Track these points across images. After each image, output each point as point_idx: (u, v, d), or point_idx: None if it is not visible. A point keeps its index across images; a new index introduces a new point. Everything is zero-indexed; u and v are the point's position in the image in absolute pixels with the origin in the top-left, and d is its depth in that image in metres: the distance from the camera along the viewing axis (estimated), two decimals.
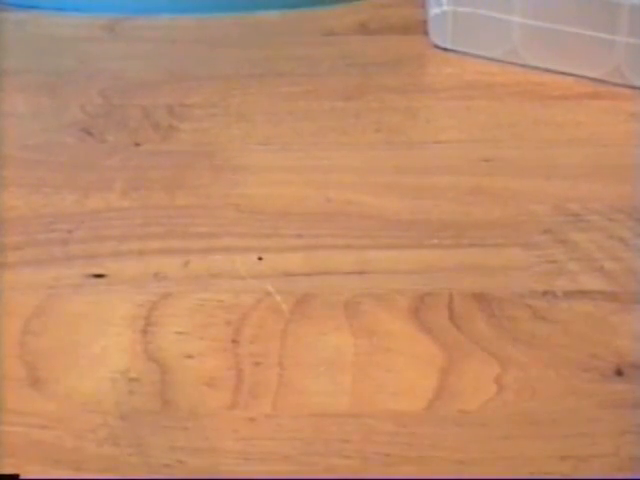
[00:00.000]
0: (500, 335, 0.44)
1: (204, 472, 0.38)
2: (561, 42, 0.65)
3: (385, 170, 0.57)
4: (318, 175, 0.56)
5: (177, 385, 0.42)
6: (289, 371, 0.43)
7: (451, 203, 0.53)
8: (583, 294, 0.47)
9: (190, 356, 0.44)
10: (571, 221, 0.52)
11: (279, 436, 0.40)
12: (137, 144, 0.59)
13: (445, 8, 0.69)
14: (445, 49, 0.70)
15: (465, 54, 0.69)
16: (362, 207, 0.53)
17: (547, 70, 0.66)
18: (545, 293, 0.47)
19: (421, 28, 0.72)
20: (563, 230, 0.51)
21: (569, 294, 0.47)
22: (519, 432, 0.40)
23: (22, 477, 0.37)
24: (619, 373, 0.42)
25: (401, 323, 0.45)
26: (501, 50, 0.68)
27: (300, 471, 0.38)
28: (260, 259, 0.49)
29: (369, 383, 0.42)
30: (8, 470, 0.38)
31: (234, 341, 0.44)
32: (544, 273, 0.48)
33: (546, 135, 0.60)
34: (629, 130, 0.60)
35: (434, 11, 0.70)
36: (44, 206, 0.53)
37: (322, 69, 0.68)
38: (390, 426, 0.40)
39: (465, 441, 0.39)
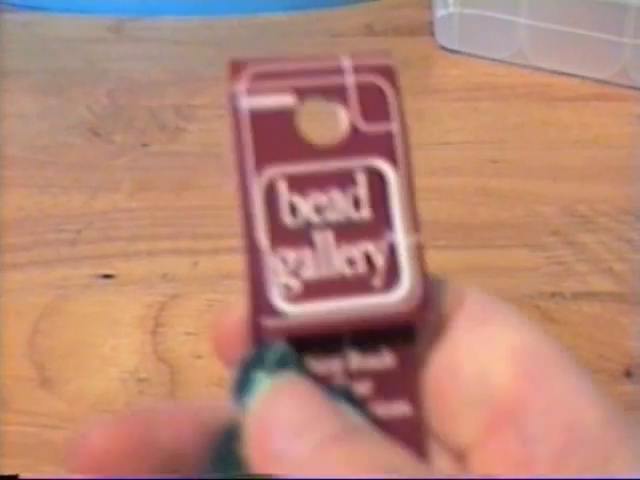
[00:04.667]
0: None
1: None
2: (567, 44, 0.65)
3: None
4: None
5: (187, 385, 0.42)
6: None
7: (458, 204, 0.53)
8: (592, 295, 0.47)
9: (199, 356, 0.44)
10: (579, 222, 0.52)
11: None
12: (144, 145, 0.59)
13: (452, 10, 0.69)
14: (452, 51, 0.70)
15: (472, 56, 0.69)
16: None
17: (553, 72, 0.66)
18: (554, 294, 0.47)
19: (427, 30, 0.72)
20: (571, 231, 0.51)
21: (578, 295, 0.47)
22: None
23: (21, 477, 0.37)
24: (628, 374, 0.42)
25: None
26: (508, 52, 0.68)
27: None
28: None
29: None
30: (20, 470, 0.38)
31: None
32: (552, 274, 0.48)
33: (553, 136, 0.60)
34: (636, 132, 0.60)
35: (441, 13, 0.70)
36: (52, 207, 0.54)
37: None
38: None
39: None
